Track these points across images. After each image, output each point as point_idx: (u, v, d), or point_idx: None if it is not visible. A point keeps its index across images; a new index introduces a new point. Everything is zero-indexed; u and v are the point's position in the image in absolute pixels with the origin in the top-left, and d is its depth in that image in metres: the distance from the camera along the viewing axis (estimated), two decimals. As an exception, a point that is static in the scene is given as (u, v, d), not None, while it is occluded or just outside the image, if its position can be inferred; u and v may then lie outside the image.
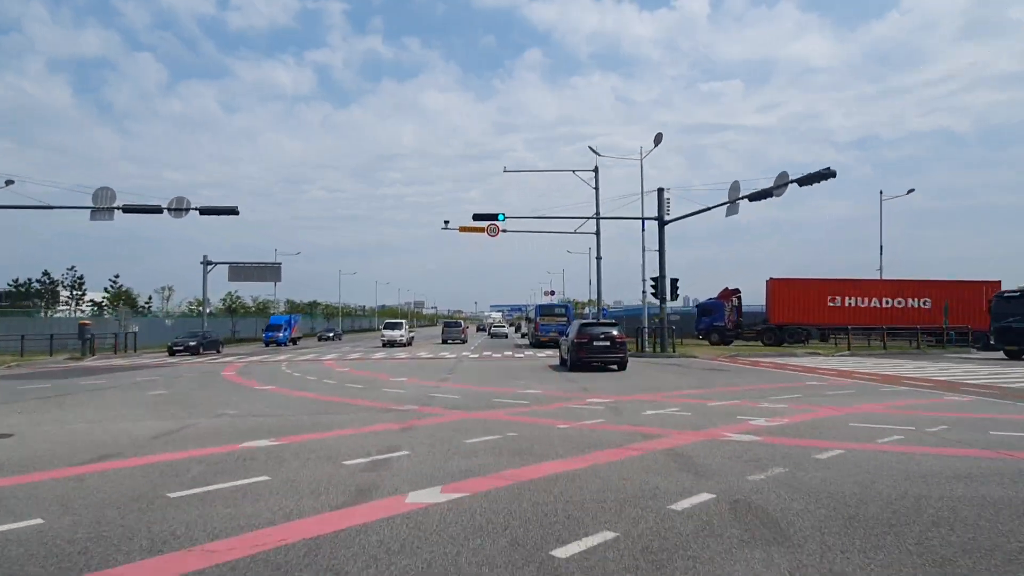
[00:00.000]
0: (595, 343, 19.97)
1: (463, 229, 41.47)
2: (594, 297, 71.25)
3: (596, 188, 42.63)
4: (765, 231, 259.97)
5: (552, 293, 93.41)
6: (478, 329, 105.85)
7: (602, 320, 25.42)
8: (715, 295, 48.05)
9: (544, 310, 44.36)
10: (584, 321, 23.47)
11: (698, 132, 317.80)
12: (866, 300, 40.06)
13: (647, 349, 31.54)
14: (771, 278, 42.03)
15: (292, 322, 51.18)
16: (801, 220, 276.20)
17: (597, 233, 42.78)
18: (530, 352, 35.85)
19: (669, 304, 37.36)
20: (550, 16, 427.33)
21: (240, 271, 54.46)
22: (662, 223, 30.97)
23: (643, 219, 32.22)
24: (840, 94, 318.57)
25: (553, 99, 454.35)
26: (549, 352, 33.99)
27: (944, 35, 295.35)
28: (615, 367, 20.40)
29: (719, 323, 44.39)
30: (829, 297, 40.43)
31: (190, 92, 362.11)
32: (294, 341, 51.10)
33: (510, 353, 35.45)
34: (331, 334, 66.66)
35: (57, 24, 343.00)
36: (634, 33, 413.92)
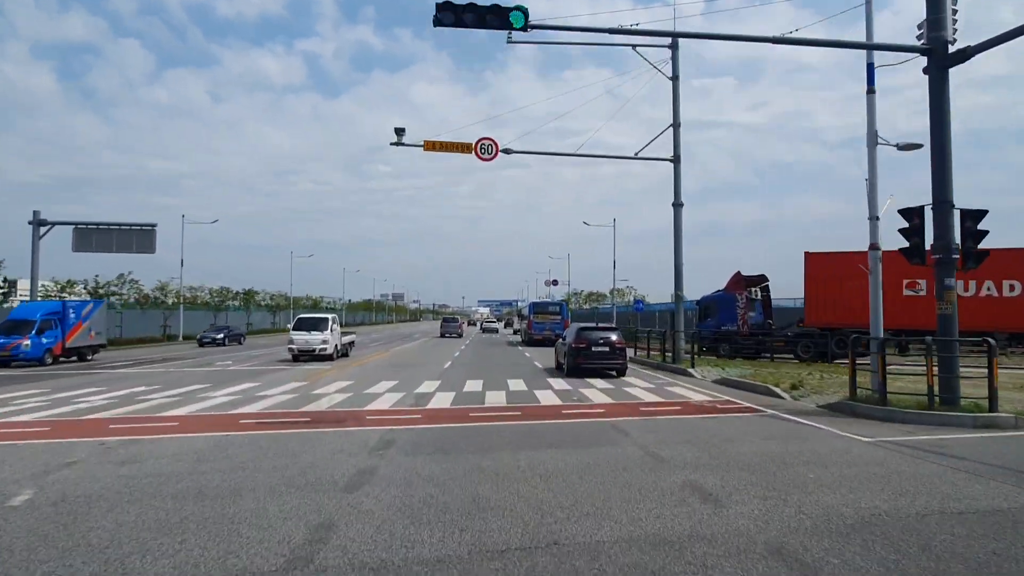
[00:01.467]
0: (594, 348, 18.86)
1: (430, 147, 22.46)
2: (621, 286, 52.79)
3: (674, 76, 23.32)
4: (747, 232, 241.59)
5: (555, 283, 74.26)
6: (468, 324, 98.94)
7: (600, 325, 22.28)
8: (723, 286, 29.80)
9: (538, 308, 41.68)
10: (582, 326, 20.78)
11: (688, 129, 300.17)
12: (972, 285, 22.50)
13: (876, 395, 11.87)
14: (810, 252, 25.40)
15: (70, 317, 25.44)
16: (787, 221, 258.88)
17: (675, 155, 23.42)
18: (557, 382, 16.74)
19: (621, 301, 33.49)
20: (542, 9, 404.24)
21: (90, 237, 34.54)
22: (943, 62, 11.34)
23: (869, 47, 12.74)
24: (830, 93, 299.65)
25: (544, 93, 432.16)
26: (546, 350, 31.22)
27: None
28: (614, 373, 19.13)
29: (729, 326, 26.94)
30: (907, 282, 23.24)
31: (176, 80, 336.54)
32: (80, 354, 26.22)
33: (520, 384, 16.44)
34: (220, 336, 41.09)
35: (41, 9, 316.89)
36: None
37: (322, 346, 24.68)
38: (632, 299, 46.04)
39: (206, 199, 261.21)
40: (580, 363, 18.83)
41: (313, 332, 24.98)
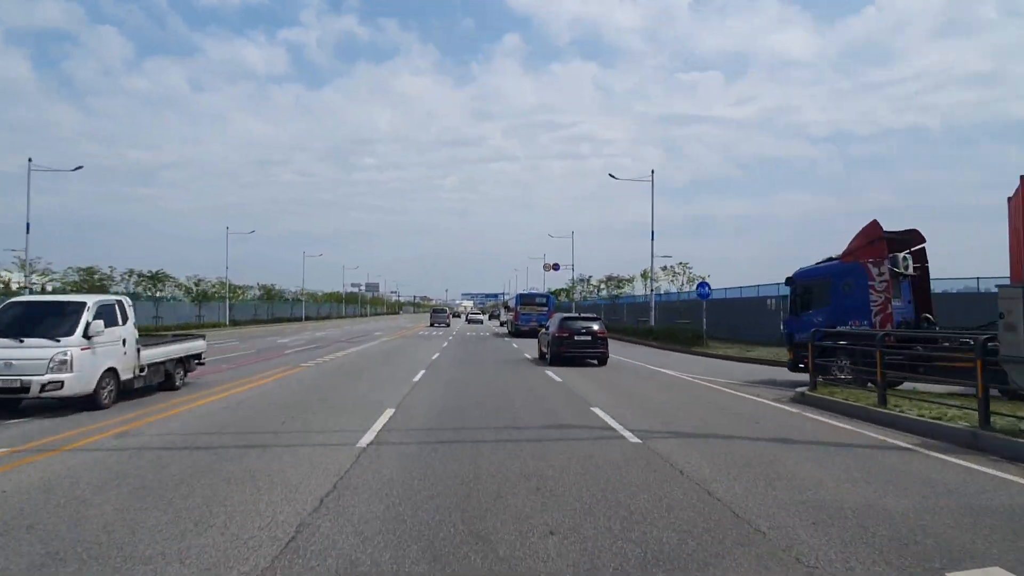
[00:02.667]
0: (576, 337, 19.06)
1: None
2: (667, 263, 36.53)
3: None
4: (735, 226, 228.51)
5: (555, 267, 59.65)
6: (454, 316, 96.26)
7: (582, 315, 22.01)
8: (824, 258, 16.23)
9: (525, 299, 41.04)
10: (565, 316, 21.26)
11: (675, 123, 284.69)
12: None
13: None
14: None
15: None
16: (774, 215, 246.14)
17: None
18: None
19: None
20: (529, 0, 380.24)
21: None
22: None
23: None
24: (816, 88, 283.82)
25: (531, 86, 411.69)
26: (535, 342, 26.71)
27: (918, 32, 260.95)
28: (595, 362, 19.20)
29: (857, 323, 13.29)
30: None
31: (156, 69, 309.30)
32: None
33: None
34: None
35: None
36: (616, 21, 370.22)
37: (51, 377, 9.42)
38: (686, 282, 30.75)
39: (187, 190, 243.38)
40: (563, 352, 18.94)
41: (31, 339, 9.69)
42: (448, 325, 58.61)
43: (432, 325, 57.23)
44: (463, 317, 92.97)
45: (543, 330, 22.67)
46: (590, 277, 55.37)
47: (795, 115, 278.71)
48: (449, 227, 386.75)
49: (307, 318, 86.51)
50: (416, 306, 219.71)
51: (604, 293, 47.01)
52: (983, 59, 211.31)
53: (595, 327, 19.40)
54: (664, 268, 31.01)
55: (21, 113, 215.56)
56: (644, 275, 37.98)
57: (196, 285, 53.64)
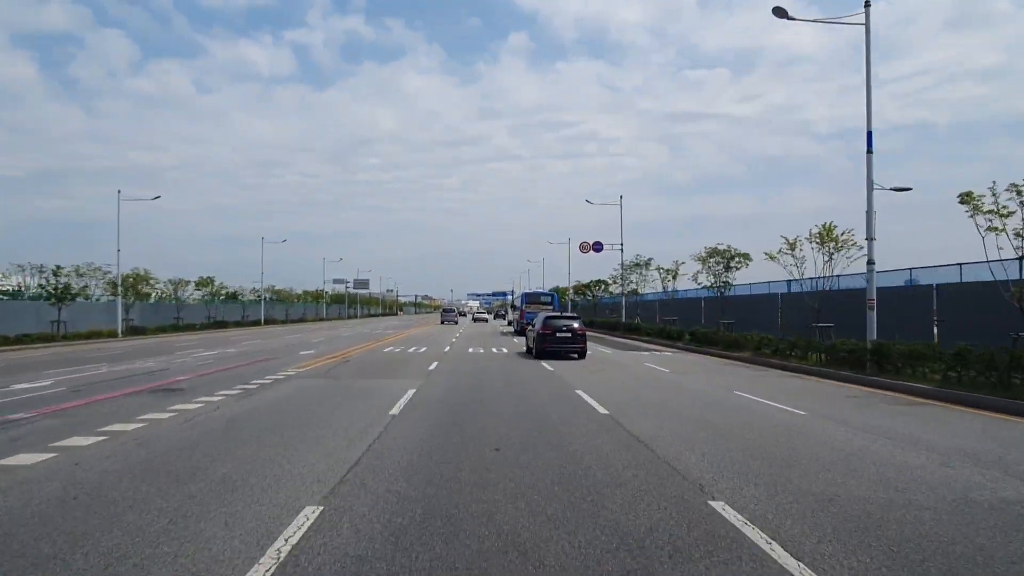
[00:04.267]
0: (558, 334, 20.36)
1: None
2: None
3: None
4: (736, 224, 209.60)
5: (597, 247, 41.02)
6: (460, 315, 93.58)
7: (564, 314, 24.40)
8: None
9: (530, 298, 42.14)
10: (549, 315, 22.66)
11: (679, 121, 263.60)
12: None
13: None
14: None
15: None
16: (777, 213, 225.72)
17: None
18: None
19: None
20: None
21: None
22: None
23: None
24: (823, 84, 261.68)
25: (537, 84, 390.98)
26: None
27: (929, 26, 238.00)
28: (575, 356, 20.36)
29: None
30: None
31: (161, 71, 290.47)
32: None
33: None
34: None
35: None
36: (621, 18, 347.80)
37: None
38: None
39: (191, 191, 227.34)
40: (545, 347, 20.25)
41: None
42: (456, 323, 66.64)
43: (443, 323, 65.53)
44: (469, 316, 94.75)
45: (530, 327, 23.38)
46: (650, 260, 36.01)
47: (801, 112, 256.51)
48: (455, 227, 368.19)
49: (269, 321, 67.71)
50: (418, 306, 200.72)
51: (704, 281, 26.94)
52: (995, 53, 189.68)
53: (575, 325, 20.81)
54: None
55: (25, 115, 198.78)
56: (822, 235, 18.30)
57: (55, 275, 34.45)
